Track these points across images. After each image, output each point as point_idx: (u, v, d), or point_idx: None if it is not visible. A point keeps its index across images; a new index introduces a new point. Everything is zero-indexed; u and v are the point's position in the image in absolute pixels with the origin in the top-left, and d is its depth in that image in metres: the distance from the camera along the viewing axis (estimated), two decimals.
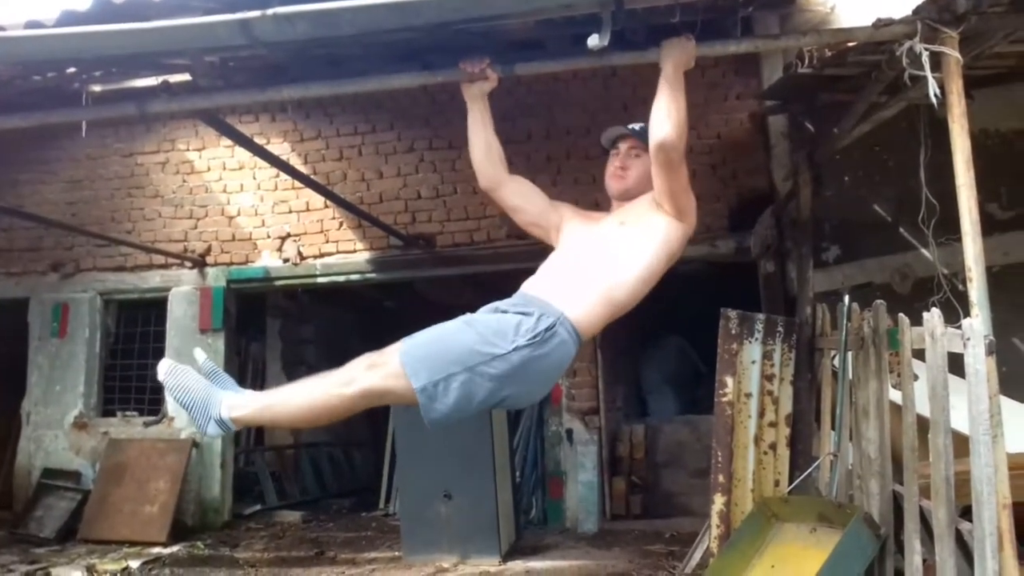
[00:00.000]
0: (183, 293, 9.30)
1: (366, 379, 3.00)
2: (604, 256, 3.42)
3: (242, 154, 9.06)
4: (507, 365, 3.03)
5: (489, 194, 3.89)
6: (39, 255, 9.76)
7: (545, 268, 3.54)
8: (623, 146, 3.78)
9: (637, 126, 3.73)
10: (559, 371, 3.29)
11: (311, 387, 3.09)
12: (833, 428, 5.37)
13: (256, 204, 9.31)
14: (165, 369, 3.11)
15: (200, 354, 3.28)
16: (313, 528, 9.08)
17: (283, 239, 9.17)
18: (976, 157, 3.52)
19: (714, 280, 8.86)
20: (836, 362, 5.35)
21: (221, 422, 3.03)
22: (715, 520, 5.74)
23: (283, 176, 8.71)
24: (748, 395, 5.87)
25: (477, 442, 7.11)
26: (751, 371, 5.88)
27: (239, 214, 9.34)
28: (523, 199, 3.88)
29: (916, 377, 4.22)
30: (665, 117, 3.35)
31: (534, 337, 3.07)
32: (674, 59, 3.49)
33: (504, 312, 3.21)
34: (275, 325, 11.66)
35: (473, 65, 3.68)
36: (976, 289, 3.42)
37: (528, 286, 3.43)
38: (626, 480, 8.66)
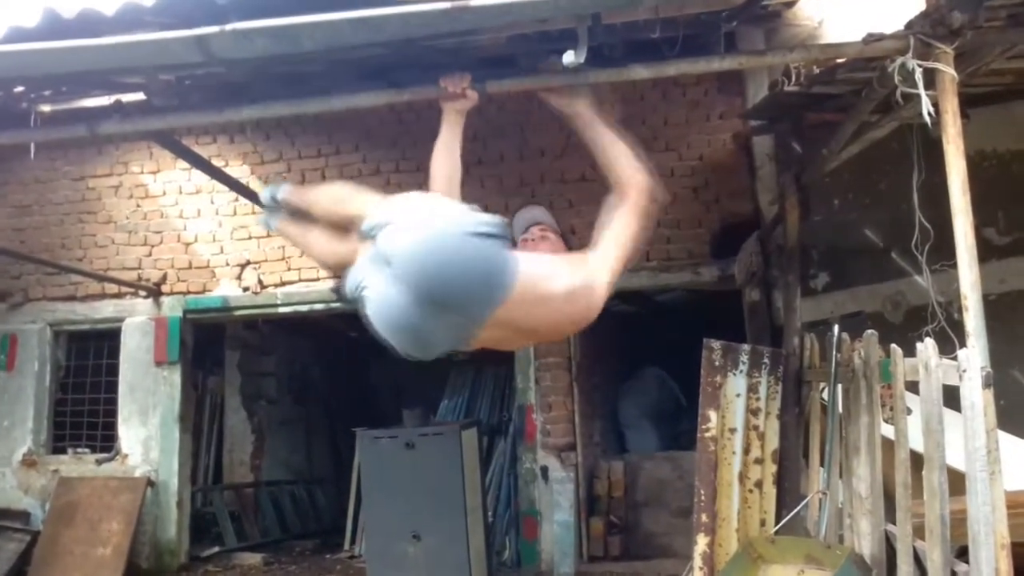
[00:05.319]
0: (137, 324, 9.14)
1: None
2: None
3: (199, 177, 8.93)
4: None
5: None
6: None
7: None
8: (535, 230, 3.60)
9: (539, 210, 3.71)
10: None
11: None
12: (822, 465, 5.36)
13: (214, 230, 9.21)
14: None
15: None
16: (275, 571, 9.00)
17: (243, 267, 9.05)
18: (972, 179, 3.54)
19: (696, 309, 8.87)
20: (825, 395, 5.37)
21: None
22: (698, 562, 5.62)
23: (243, 200, 8.56)
24: (732, 430, 5.79)
25: (447, 480, 7.06)
26: (735, 405, 5.81)
27: (196, 240, 9.24)
28: None
29: (909, 411, 4.23)
30: (636, 161, 3.26)
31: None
32: (586, 98, 3.51)
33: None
34: (234, 357, 11.51)
35: (455, 84, 3.60)
36: (972, 318, 3.45)
37: None
38: (604, 520, 8.50)
